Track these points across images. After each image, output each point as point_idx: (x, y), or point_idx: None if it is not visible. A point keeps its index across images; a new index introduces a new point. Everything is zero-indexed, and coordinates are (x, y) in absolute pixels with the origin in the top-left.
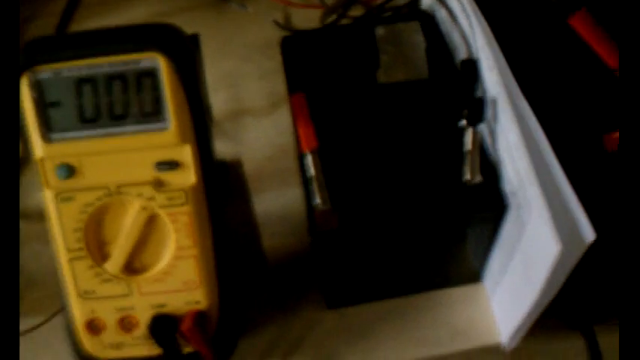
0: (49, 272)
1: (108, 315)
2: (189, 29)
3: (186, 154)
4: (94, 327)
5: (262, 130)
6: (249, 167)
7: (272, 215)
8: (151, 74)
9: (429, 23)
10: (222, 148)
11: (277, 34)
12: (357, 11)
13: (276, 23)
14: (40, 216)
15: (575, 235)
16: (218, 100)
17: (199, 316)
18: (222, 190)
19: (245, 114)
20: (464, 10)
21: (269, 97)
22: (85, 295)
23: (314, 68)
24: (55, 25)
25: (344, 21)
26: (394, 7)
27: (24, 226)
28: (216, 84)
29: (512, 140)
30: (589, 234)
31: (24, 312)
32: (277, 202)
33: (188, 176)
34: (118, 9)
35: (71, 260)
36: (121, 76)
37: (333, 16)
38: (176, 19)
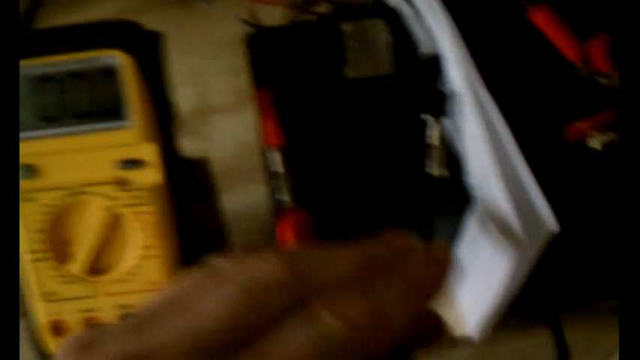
0: None
1: (73, 317)
2: (155, 26)
3: (150, 152)
4: (58, 329)
5: (228, 128)
6: (215, 165)
7: (239, 213)
8: (112, 72)
9: (394, 19)
10: (188, 146)
11: (244, 32)
12: (321, 8)
13: (242, 20)
14: None
15: (538, 226)
16: (184, 98)
17: None
18: (188, 188)
19: (211, 111)
20: (430, 6)
21: (235, 95)
22: (48, 297)
23: (280, 65)
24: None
25: (310, 17)
26: (359, 4)
27: None
28: (181, 81)
29: (476, 134)
30: (552, 225)
31: None
32: (244, 199)
33: (152, 175)
34: (83, 6)
35: (34, 261)
36: (82, 74)
37: (297, 14)
38: (143, 16)
